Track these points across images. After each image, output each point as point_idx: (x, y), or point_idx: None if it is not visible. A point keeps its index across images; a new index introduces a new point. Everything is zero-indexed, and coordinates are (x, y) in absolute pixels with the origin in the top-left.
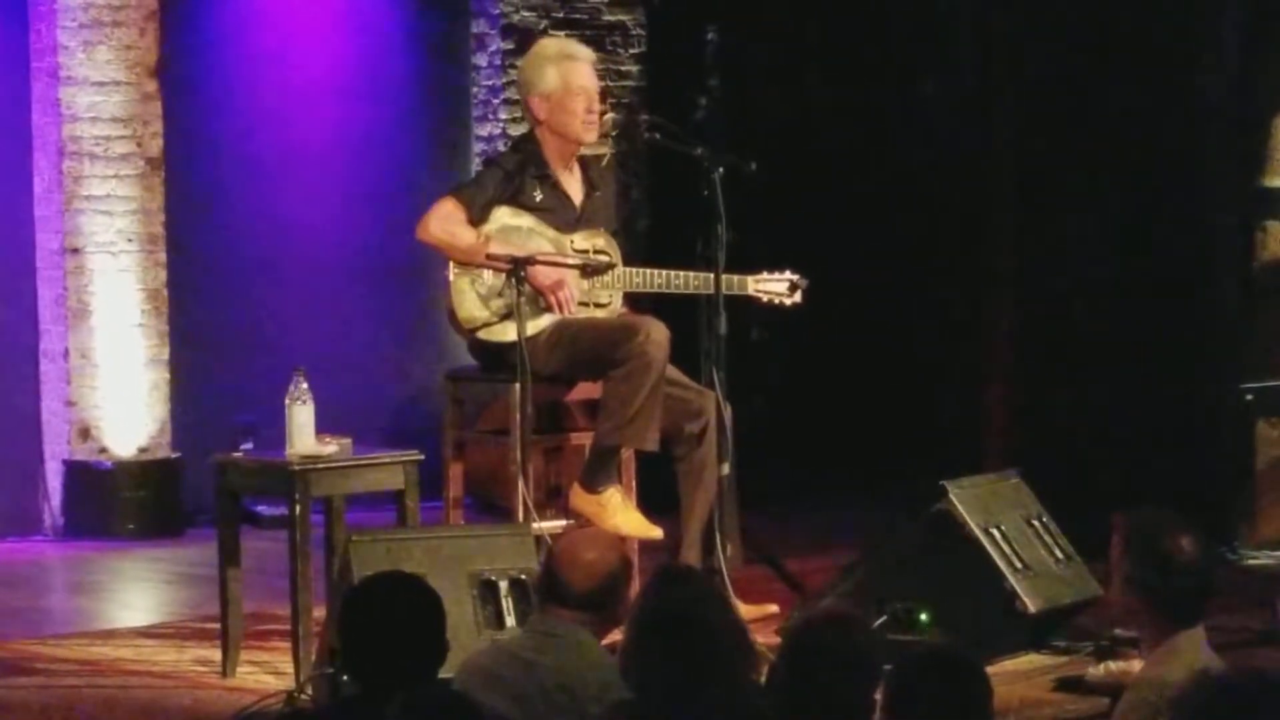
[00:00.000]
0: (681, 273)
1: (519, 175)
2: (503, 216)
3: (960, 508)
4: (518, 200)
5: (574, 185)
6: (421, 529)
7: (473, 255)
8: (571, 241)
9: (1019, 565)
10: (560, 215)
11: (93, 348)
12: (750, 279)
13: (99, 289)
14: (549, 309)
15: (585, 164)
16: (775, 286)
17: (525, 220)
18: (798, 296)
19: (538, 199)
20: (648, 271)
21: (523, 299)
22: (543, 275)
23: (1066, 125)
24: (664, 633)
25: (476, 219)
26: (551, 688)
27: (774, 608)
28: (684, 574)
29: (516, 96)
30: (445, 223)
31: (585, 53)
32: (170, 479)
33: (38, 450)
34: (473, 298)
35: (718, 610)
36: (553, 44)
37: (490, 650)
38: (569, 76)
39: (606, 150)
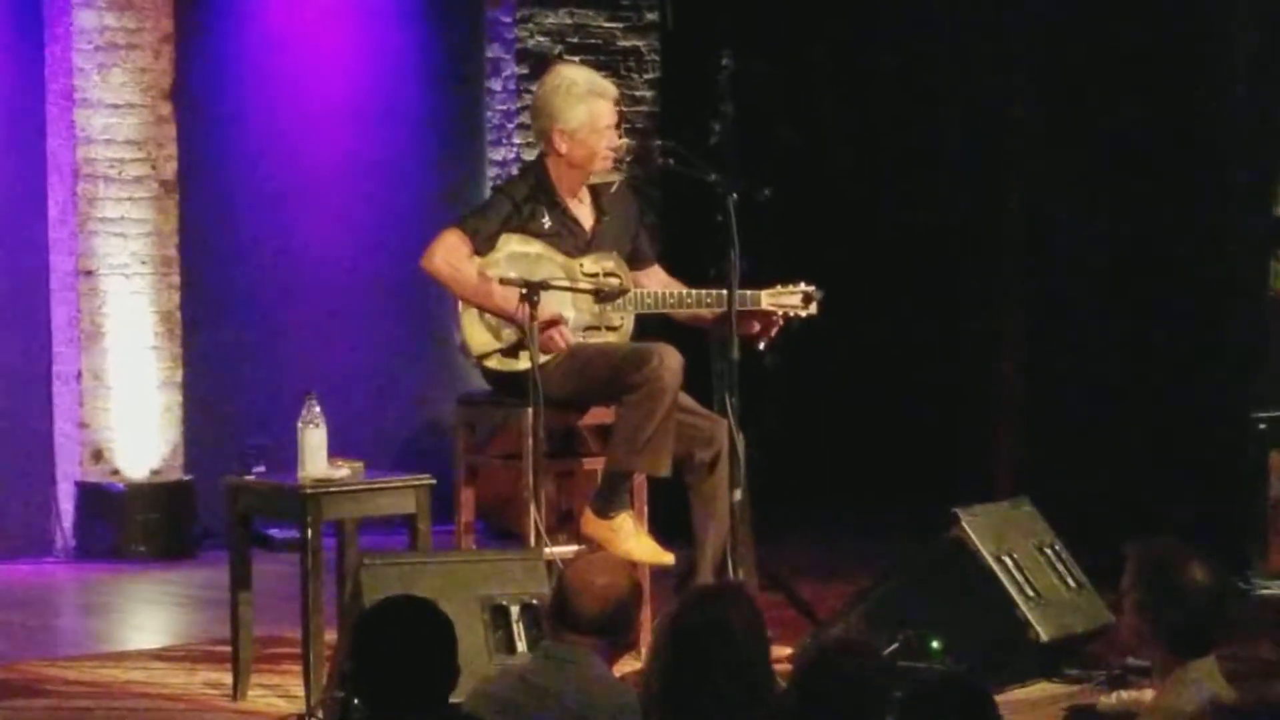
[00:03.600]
0: (694, 292)
1: (528, 203)
2: (511, 244)
3: (972, 535)
4: (527, 228)
5: (583, 211)
6: (433, 553)
7: (477, 297)
8: (581, 265)
9: (1031, 593)
10: (569, 241)
11: (106, 369)
12: (765, 294)
13: (112, 311)
14: (544, 348)
15: (595, 191)
16: (790, 300)
17: (534, 247)
18: (813, 308)
19: (546, 226)
20: (660, 293)
21: (535, 324)
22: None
23: (1080, 152)
24: (698, 650)
25: (482, 249)
26: (562, 713)
27: (787, 650)
28: (725, 592)
29: (530, 121)
30: (450, 256)
31: (612, 90)
32: (182, 501)
33: (50, 472)
34: (482, 326)
35: (754, 632)
36: (581, 78)
37: (501, 675)
38: (597, 116)
39: (616, 177)
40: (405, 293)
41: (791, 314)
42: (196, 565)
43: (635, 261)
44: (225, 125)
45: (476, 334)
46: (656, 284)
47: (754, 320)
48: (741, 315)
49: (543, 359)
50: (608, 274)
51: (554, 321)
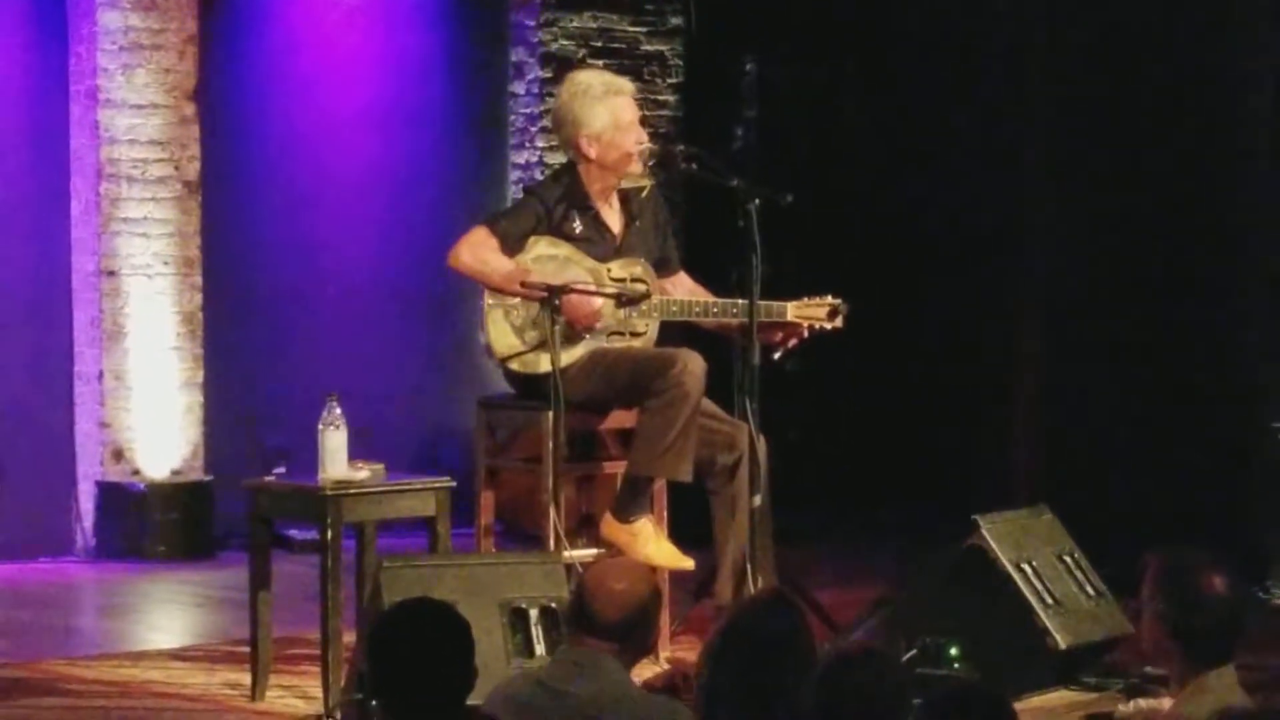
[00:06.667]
0: (720, 301)
1: (560, 205)
2: (541, 245)
3: (992, 542)
4: (558, 230)
5: (613, 217)
6: (452, 556)
7: (506, 284)
8: (609, 270)
9: (1050, 601)
10: (599, 246)
11: (127, 370)
12: (790, 305)
13: (134, 311)
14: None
15: (625, 196)
16: (816, 312)
17: (563, 250)
18: (838, 321)
19: (577, 230)
20: (685, 300)
21: (557, 327)
22: (575, 310)
23: (1100, 160)
24: (758, 657)
25: (511, 249)
26: (580, 717)
27: None
28: (787, 603)
29: (553, 129)
30: (477, 251)
31: (629, 85)
32: (202, 502)
33: (71, 471)
34: (507, 328)
35: (806, 645)
36: (596, 80)
37: (519, 679)
38: (619, 113)
39: (647, 182)
40: (427, 294)
41: (816, 326)
42: (216, 566)
43: (662, 269)
44: (249, 126)
45: (501, 336)
46: (683, 291)
47: (778, 330)
48: (766, 325)
49: (565, 362)
50: (635, 279)
51: (594, 315)
